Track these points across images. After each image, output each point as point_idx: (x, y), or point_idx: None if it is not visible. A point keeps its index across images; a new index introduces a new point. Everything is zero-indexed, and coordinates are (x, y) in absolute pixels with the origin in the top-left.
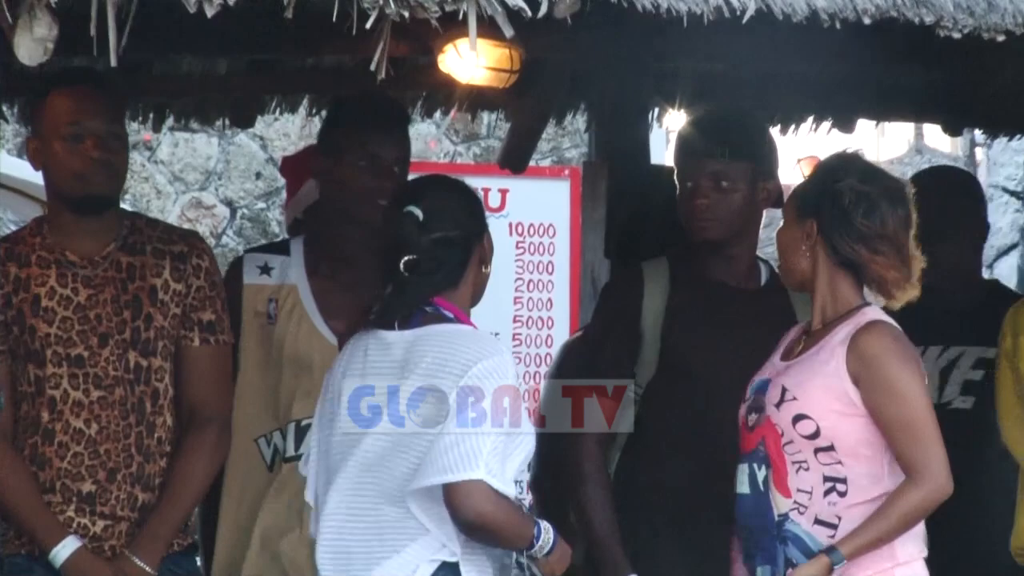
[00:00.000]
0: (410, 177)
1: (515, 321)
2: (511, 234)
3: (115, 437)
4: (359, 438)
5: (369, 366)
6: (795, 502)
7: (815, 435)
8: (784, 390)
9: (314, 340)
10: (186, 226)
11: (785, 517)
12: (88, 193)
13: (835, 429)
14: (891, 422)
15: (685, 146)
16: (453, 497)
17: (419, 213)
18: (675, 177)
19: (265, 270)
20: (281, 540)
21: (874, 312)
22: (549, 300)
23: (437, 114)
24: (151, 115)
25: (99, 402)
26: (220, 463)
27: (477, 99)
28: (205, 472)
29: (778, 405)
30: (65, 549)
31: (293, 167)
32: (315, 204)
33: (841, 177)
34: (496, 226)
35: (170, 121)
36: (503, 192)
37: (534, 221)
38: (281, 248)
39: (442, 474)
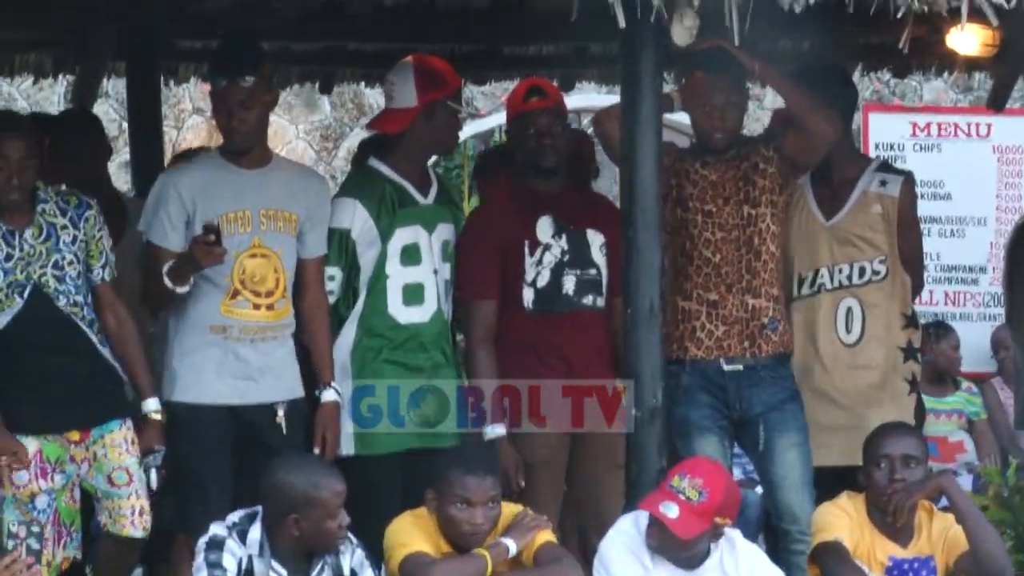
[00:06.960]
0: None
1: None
2: (993, 153)
3: (731, 261)
4: None
5: None
6: None
7: None
8: None
9: None
10: None
11: None
12: None
13: None
14: None
15: None
16: None
17: None
18: None
19: None
20: None
21: None
22: None
23: (932, 72)
24: None
25: (722, 239)
26: None
27: (972, 64)
28: None
29: None
30: None
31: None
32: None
33: None
34: (981, 148)
35: None
36: (989, 126)
37: (1010, 144)
38: None
39: None
